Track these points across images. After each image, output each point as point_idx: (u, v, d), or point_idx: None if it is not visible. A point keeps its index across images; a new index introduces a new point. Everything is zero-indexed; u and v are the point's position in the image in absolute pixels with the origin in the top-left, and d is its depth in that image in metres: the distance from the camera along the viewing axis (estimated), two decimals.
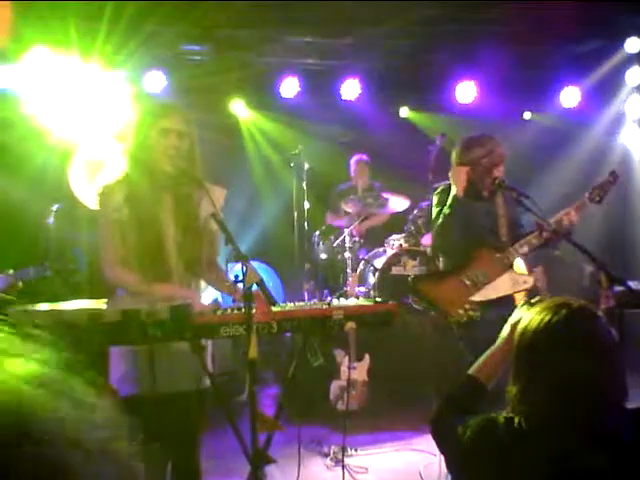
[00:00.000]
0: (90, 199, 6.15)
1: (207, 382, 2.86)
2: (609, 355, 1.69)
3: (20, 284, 4.41)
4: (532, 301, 2.04)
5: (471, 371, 2.04)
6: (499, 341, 2.04)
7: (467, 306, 3.81)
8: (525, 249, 3.77)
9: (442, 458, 4.05)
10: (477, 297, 3.82)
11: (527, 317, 1.79)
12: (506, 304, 3.93)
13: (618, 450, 1.62)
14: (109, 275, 2.80)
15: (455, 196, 3.93)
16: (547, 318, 1.73)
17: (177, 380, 2.72)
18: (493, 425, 1.72)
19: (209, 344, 2.94)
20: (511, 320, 2.03)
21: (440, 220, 3.95)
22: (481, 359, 2.04)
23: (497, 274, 3.83)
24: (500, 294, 3.84)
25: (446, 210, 3.92)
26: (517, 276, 3.89)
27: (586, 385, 1.65)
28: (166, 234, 2.82)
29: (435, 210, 4.03)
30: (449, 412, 1.91)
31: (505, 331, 2.04)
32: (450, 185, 4.02)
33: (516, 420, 1.70)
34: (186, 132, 2.85)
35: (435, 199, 4.08)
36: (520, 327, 1.80)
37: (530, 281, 3.89)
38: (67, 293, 5.20)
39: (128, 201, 2.79)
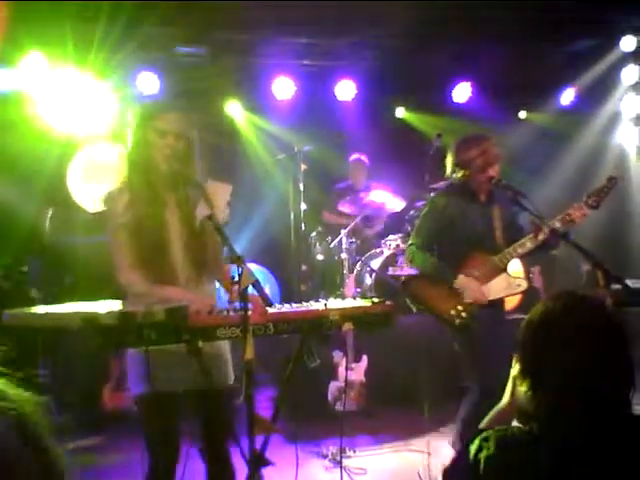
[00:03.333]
0: (88, 202, 6.15)
1: (227, 381, 2.91)
2: (611, 350, 1.61)
3: None
4: None
5: (482, 426, 1.97)
6: (505, 397, 1.98)
7: (460, 307, 3.79)
8: (520, 251, 3.76)
9: (440, 459, 4.05)
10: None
11: (533, 309, 1.74)
12: (499, 306, 3.93)
13: (616, 456, 1.56)
14: (121, 280, 2.81)
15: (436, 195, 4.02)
16: (550, 306, 1.68)
17: (188, 379, 2.71)
18: (510, 440, 1.66)
19: (228, 351, 2.95)
20: (513, 373, 1.94)
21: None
22: (490, 414, 2.00)
23: (491, 276, 3.82)
24: (495, 296, 3.83)
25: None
26: (512, 279, 3.87)
27: (584, 382, 1.59)
28: (171, 235, 2.82)
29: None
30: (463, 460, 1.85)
31: (509, 388, 1.97)
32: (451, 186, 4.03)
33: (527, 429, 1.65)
34: (183, 133, 2.85)
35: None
36: (526, 319, 1.74)
37: (524, 284, 3.88)
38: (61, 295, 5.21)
39: (131, 205, 2.79)
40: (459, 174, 3.89)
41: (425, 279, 3.98)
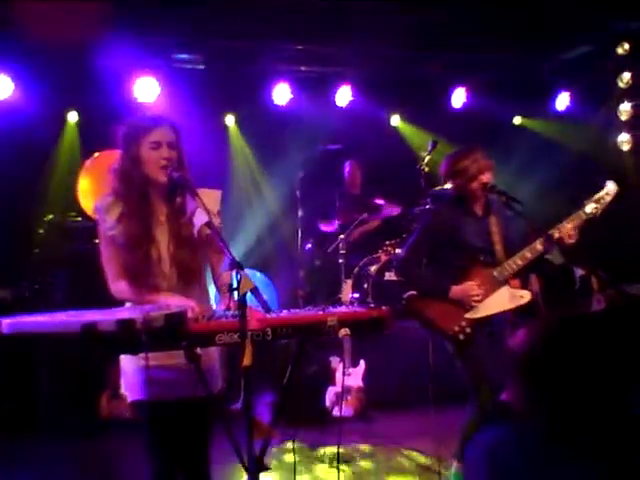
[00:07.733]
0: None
1: (214, 388, 2.86)
2: (608, 367, 1.60)
3: None
4: None
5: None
6: None
7: (463, 323, 3.78)
8: (520, 263, 3.77)
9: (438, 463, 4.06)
10: (476, 314, 3.80)
11: (526, 330, 1.72)
12: (499, 320, 3.92)
13: (617, 462, 1.54)
14: (112, 290, 2.83)
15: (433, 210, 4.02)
16: (563, 325, 1.66)
17: (176, 387, 2.72)
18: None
19: (216, 351, 2.94)
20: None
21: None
22: None
23: (491, 290, 3.82)
24: (498, 310, 3.82)
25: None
26: (514, 291, 3.87)
27: (583, 399, 1.58)
28: (159, 250, 2.83)
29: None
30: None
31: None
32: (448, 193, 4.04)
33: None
34: (175, 142, 2.85)
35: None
36: (520, 339, 1.72)
37: (527, 295, 3.87)
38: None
39: (122, 218, 2.80)
40: (453, 184, 3.91)
41: (425, 298, 3.96)
